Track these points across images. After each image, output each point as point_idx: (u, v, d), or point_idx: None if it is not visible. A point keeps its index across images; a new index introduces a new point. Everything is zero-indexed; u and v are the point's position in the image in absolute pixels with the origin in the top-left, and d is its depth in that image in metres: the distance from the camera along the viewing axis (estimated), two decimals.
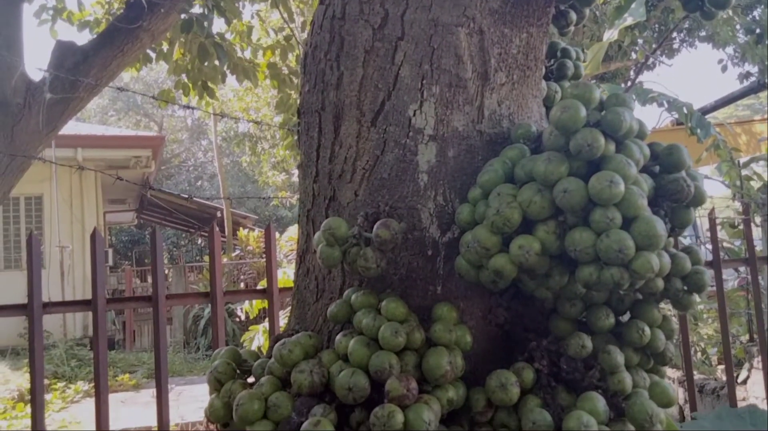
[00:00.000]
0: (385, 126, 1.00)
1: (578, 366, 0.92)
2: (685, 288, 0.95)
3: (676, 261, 0.92)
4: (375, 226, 0.91)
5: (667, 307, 1.09)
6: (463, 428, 0.92)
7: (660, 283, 0.91)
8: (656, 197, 0.90)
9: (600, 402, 0.85)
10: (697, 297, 0.95)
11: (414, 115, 0.99)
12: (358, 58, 1.02)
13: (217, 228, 2.59)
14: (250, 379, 1.02)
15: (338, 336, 0.93)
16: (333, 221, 0.93)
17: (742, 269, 5.16)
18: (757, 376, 4.23)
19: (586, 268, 0.83)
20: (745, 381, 4.43)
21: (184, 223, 19.59)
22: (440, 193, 0.99)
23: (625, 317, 1.00)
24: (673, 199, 0.89)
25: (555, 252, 0.86)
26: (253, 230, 14.68)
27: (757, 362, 4.15)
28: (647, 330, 0.94)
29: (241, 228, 14.82)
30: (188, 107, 4.80)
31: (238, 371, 1.04)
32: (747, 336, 5.03)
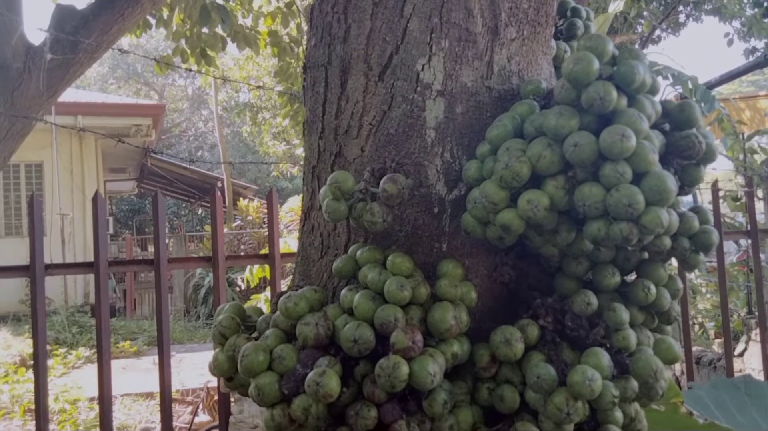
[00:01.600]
0: (393, 80, 0.99)
1: (583, 323, 0.92)
2: (693, 247, 0.94)
3: (685, 220, 0.91)
4: (382, 181, 0.90)
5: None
6: (466, 383, 0.93)
7: (667, 241, 0.91)
8: (667, 154, 0.89)
9: (604, 357, 0.85)
10: (703, 257, 0.95)
11: (422, 69, 0.98)
12: (366, 11, 1.00)
13: (219, 194, 2.59)
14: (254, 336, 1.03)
15: (343, 291, 0.92)
16: (339, 175, 0.92)
17: (743, 243, 5.16)
18: (755, 348, 4.26)
19: (595, 223, 0.82)
20: (742, 354, 4.46)
21: (184, 193, 19.59)
22: (447, 150, 0.98)
23: (631, 279, 1.00)
24: (684, 155, 0.88)
25: (563, 208, 0.85)
26: (253, 200, 14.68)
27: (755, 334, 4.18)
28: (653, 289, 0.93)
29: (241, 199, 14.81)
30: (190, 70, 4.75)
31: (242, 326, 1.04)
32: (745, 310, 5.06)
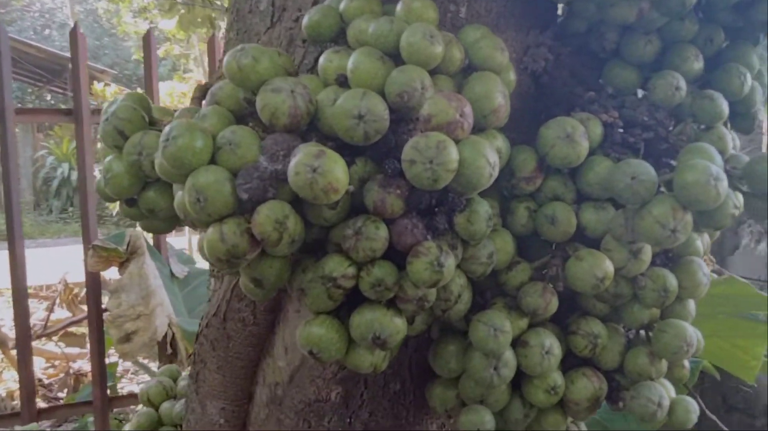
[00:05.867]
0: None
1: (663, 118, 0.65)
2: None
3: None
4: None
5: None
6: (495, 202, 0.64)
7: None
8: None
9: (716, 155, 0.59)
10: None
11: None
12: None
13: (81, 31, 2.09)
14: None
15: (325, 54, 0.59)
16: None
17: None
18: None
19: None
20: None
21: (30, 75, 17.51)
22: None
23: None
24: None
25: None
26: (110, 86, 13.37)
27: None
28: (749, 77, 0.68)
29: (95, 83, 13.43)
30: None
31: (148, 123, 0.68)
32: None
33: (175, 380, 1.02)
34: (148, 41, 2.14)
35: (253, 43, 0.56)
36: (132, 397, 2.28)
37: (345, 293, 0.56)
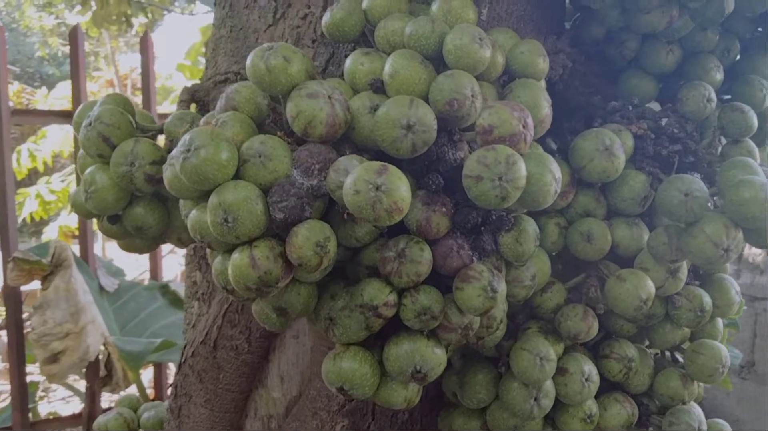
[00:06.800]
0: None
1: (692, 130, 0.63)
2: None
3: None
4: None
5: None
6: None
7: None
8: None
9: (756, 166, 0.57)
10: None
11: None
12: None
13: None
14: None
15: (354, 56, 0.53)
16: None
17: None
18: None
19: None
20: None
21: None
22: None
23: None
24: None
25: None
26: (12, 83, 12.59)
27: None
28: (764, 90, 0.67)
29: None
30: None
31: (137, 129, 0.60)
32: None
33: (135, 410, 0.93)
34: (74, 37, 1.98)
35: (281, 42, 0.49)
36: (58, 421, 2.11)
37: (385, 322, 0.50)
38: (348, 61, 0.53)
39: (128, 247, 0.65)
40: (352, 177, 0.42)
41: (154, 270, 2.26)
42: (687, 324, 0.60)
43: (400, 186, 0.42)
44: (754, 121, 0.62)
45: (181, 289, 2.11)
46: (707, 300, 0.59)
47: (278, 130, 0.50)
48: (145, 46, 2.09)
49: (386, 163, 0.43)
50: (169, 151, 0.60)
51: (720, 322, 0.64)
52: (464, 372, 0.60)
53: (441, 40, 0.50)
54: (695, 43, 0.66)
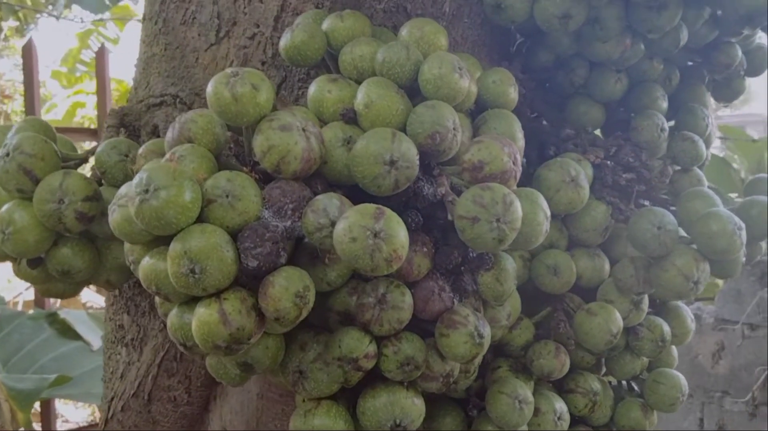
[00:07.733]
0: None
1: (647, 159, 0.63)
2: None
3: None
4: None
5: None
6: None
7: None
8: None
9: (714, 196, 0.57)
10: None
11: None
12: None
13: None
14: None
15: (319, 83, 0.49)
16: None
17: None
18: None
19: None
20: None
21: None
22: None
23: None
24: None
25: None
26: None
27: None
28: (706, 119, 0.68)
29: None
30: None
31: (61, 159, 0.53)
32: None
33: None
34: (29, 54, 1.79)
35: (249, 68, 0.44)
36: None
37: (364, 375, 0.46)
38: (313, 88, 0.49)
39: (48, 292, 0.57)
40: (346, 222, 0.38)
41: (40, 298, 2.08)
42: (647, 355, 0.60)
43: (399, 232, 0.38)
44: (704, 150, 0.64)
45: (70, 317, 1.95)
46: (667, 329, 0.60)
47: (240, 164, 0.45)
48: (28, 53, 1.93)
49: (381, 206, 0.39)
50: (100, 183, 0.54)
51: (674, 350, 0.64)
52: (431, 416, 0.57)
53: (416, 68, 0.47)
54: (641, 72, 0.67)
